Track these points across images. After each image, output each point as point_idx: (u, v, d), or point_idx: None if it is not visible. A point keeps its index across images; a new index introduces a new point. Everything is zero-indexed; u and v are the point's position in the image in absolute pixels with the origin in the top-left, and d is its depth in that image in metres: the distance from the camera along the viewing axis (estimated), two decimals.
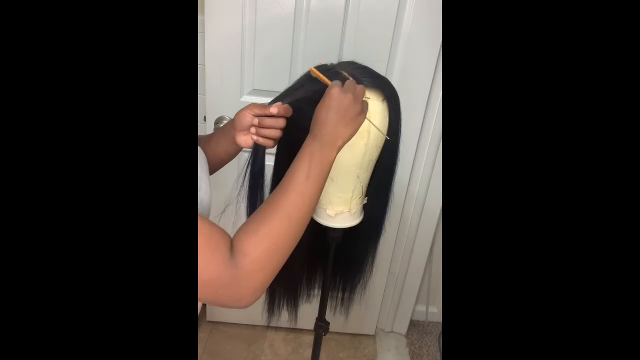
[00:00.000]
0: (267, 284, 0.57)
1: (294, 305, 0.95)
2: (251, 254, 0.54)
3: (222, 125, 1.28)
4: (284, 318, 0.96)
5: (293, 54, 1.22)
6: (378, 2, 1.16)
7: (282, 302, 0.94)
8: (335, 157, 0.63)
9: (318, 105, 0.64)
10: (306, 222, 0.61)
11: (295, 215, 0.58)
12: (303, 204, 0.59)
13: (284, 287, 0.92)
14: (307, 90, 0.70)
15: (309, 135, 0.64)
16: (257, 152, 0.74)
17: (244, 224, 0.58)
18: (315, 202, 0.61)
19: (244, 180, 0.77)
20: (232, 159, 0.82)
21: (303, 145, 0.63)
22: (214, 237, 0.53)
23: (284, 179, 0.61)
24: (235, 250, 0.54)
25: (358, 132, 0.68)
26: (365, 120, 0.68)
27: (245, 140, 0.74)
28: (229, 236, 0.56)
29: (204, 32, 1.19)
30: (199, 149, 0.67)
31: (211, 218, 0.59)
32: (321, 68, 0.71)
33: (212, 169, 0.79)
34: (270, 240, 0.56)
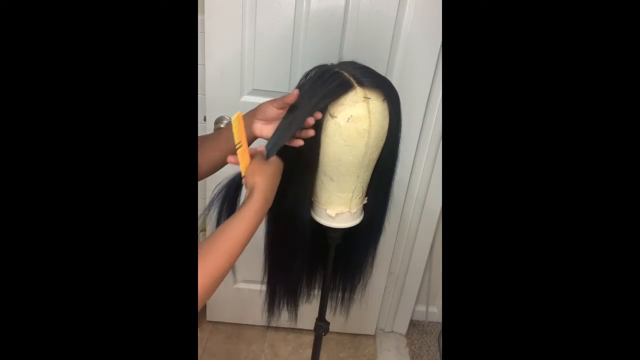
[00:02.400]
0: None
1: (294, 305, 0.95)
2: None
3: (222, 126, 1.28)
4: (284, 318, 0.96)
5: (293, 53, 1.22)
6: (378, 3, 1.16)
7: (282, 302, 0.94)
8: None
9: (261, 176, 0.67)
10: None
11: (236, 249, 0.61)
12: (246, 237, 0.63)
13: (284, 287, 0.92)
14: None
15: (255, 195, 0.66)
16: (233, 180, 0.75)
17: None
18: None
19: (215, 202, 0.77)
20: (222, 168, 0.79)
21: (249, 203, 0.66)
22: None
23: (230, 219, 0.63)
24: None
25: (358, 132, 0.68)
26: (367, 119, 0.68)
27: (267, 129, 0.72)
28: None
29: (204, 32, 1.19)
30: None
31: None
32: (321, 68, 0.71)
33: (203, 175, 0.76)
34: (210, 278, 0.57)
